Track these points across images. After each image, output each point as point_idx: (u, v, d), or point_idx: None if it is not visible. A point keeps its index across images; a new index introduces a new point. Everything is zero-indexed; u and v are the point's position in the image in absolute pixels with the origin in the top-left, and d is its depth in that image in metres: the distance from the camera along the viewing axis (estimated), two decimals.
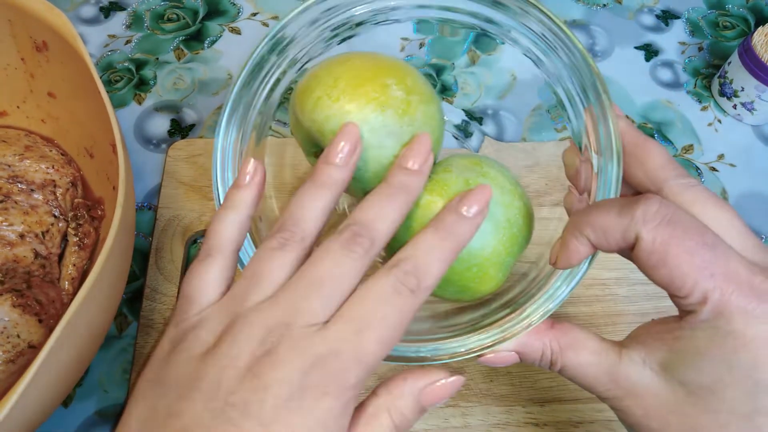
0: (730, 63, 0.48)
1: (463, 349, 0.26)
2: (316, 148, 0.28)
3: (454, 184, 0.26)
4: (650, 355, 0.23)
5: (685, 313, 0.22)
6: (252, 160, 0.25)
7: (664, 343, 0.22)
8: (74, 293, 0.36)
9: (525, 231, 0.27)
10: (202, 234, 0.41)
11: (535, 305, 0.26)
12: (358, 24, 0.28)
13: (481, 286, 0.26)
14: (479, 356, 0.26)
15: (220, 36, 0.51)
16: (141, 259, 0.40)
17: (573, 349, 0.24)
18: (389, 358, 0.25)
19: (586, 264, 0.25)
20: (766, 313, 0.20)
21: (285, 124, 0.46)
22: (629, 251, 0.22)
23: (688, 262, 0.21)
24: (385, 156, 0.25)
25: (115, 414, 0.35)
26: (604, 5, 0.56)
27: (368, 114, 0.24)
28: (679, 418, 0.21)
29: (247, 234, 0.26)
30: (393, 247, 0.24)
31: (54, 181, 0.38)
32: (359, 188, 0.27)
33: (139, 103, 0.47)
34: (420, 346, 0.26)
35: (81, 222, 0.38)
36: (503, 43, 0.29)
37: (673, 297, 0.22)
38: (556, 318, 0.25)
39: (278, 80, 0.29)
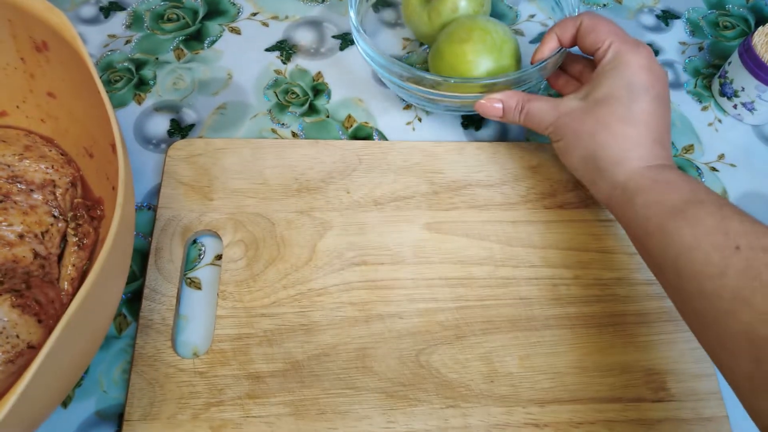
0: (730, 63, 0.48)
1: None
2: None
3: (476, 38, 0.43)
4: (579, 91, 0.39)
5: (599, 63, 0.38)
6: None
7: (587, 83, 0.39)
8: (74, 293, 0.36)
9: (510, 58, 0.43)
10: (202, 234, 0.41)
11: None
12: None
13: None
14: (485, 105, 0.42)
15: (220, 36, 0.51)
16: (140, 260, 0.40)
17: (535, 100, 0.40)
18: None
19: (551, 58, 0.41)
20: (640, 54, 0.37)
21: (284, 125, 0.46)
22: (573, 42, 0.40)
23: (605, 30, 0.38)
24: (464, 8, 0.45)
25: (114, 414, 0.35)
26: (604, 5, 0.56)
27: None
28: (591, 118, 0.37)
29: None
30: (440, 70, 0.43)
31: (53, 181, 0.38)
32: (440, 25, 0.46)
33: (139, 103, 0.47)
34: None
35: (80, 222, 0.37)
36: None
37: (595, 53, 0.39)
38: None
39: None
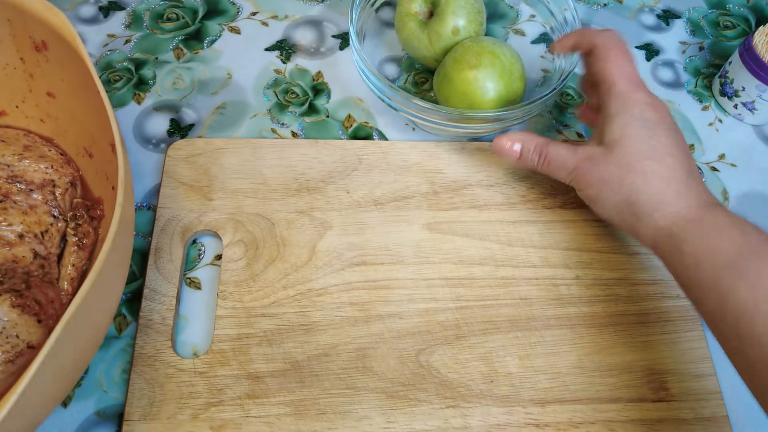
0: (730, 63, 0.48)
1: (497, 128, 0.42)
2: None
3: (484, 60, 0.42)
4: (595, 136, 0.38)
5: (603, 106, 0.37)
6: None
7: (600, 126, 0.38)
8: (73, 293, 0.36)
9: (519, 80, 0.43)
10: (202, 234, 0.41)
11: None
12: None
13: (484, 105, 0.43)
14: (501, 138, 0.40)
15: (220, 35, 0.51)
16: (140, 260, 0.40)
17: (554, 145, 0.38)
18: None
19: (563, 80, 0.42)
20: (641, 92, 0.37)
21: (284, 125, 0.46)
22: (585, 56, 0.40)
23: (613, 64, 0.37)
24: (465, 29, 0.44)
25: (114, 414, 0.35)
26: (605, 4, 0.56)
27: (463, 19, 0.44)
28: (614, 161, 0.35)
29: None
30: (447, 99, 0.43)
31: (53, 180, 0.38)
32: (442, 48, 0.45)
33: (139, 103, 0.47)
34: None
35: (80, 222, 0.37)
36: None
37: (601, 86, 0.38)
38: None
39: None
